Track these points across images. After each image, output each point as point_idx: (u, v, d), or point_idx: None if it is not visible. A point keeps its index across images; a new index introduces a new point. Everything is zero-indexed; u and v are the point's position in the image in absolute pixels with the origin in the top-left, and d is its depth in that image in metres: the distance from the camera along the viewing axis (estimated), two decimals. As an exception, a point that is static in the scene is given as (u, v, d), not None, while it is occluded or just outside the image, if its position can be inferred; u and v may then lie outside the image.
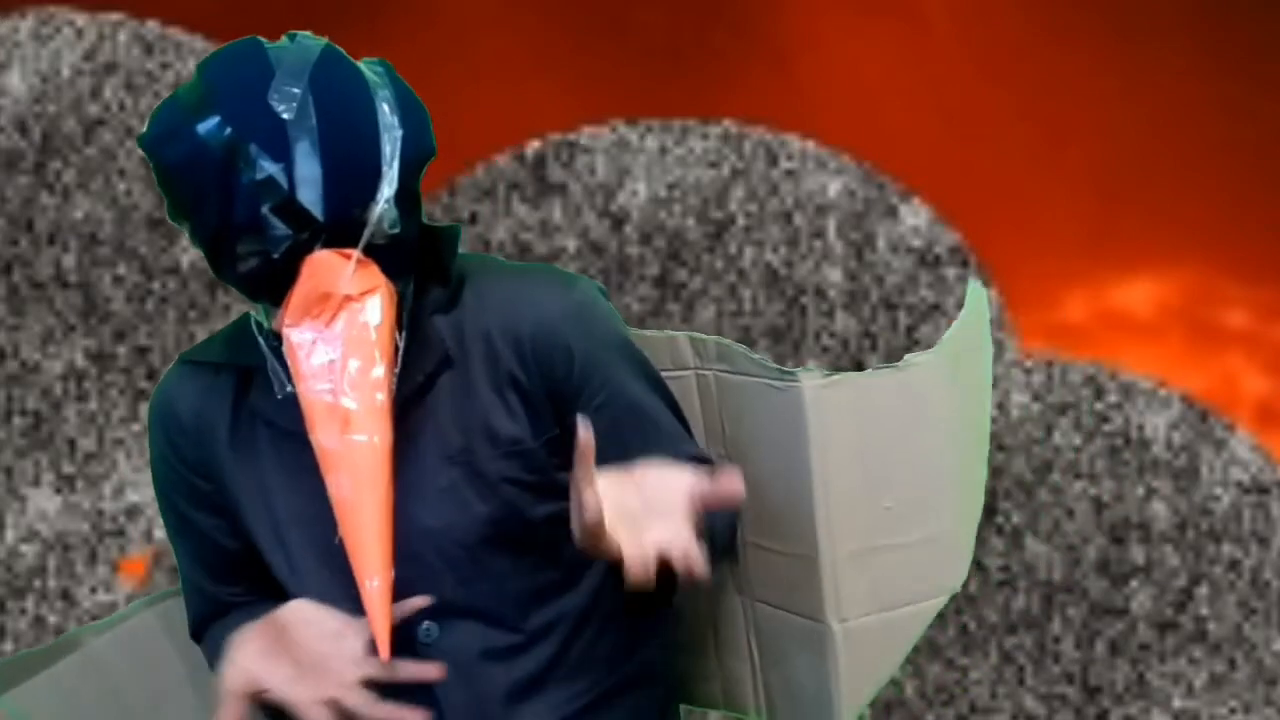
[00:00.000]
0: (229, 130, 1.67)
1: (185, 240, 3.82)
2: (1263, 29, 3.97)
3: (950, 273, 3.89)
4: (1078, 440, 3.89)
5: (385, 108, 1.73)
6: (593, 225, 3.89)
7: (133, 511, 3.79)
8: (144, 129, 1.75)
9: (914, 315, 3.88)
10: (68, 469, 3.78)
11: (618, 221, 3.88)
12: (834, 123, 3.89)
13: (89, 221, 3.78)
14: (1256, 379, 4.07)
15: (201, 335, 3.80)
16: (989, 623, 3.86)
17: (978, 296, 1.97)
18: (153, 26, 3.83)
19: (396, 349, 1.72)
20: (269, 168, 1.66)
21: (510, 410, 1.77)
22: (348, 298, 1.69)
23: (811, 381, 1.76)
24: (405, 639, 1.75)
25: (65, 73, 3.79)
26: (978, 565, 3.86)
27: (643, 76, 3.95)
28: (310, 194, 1.67)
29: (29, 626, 3.76)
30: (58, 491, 3.78)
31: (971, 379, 1.86)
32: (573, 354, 1.77)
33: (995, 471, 3.88)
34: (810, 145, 3.88)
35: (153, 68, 3.82)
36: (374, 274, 1.70)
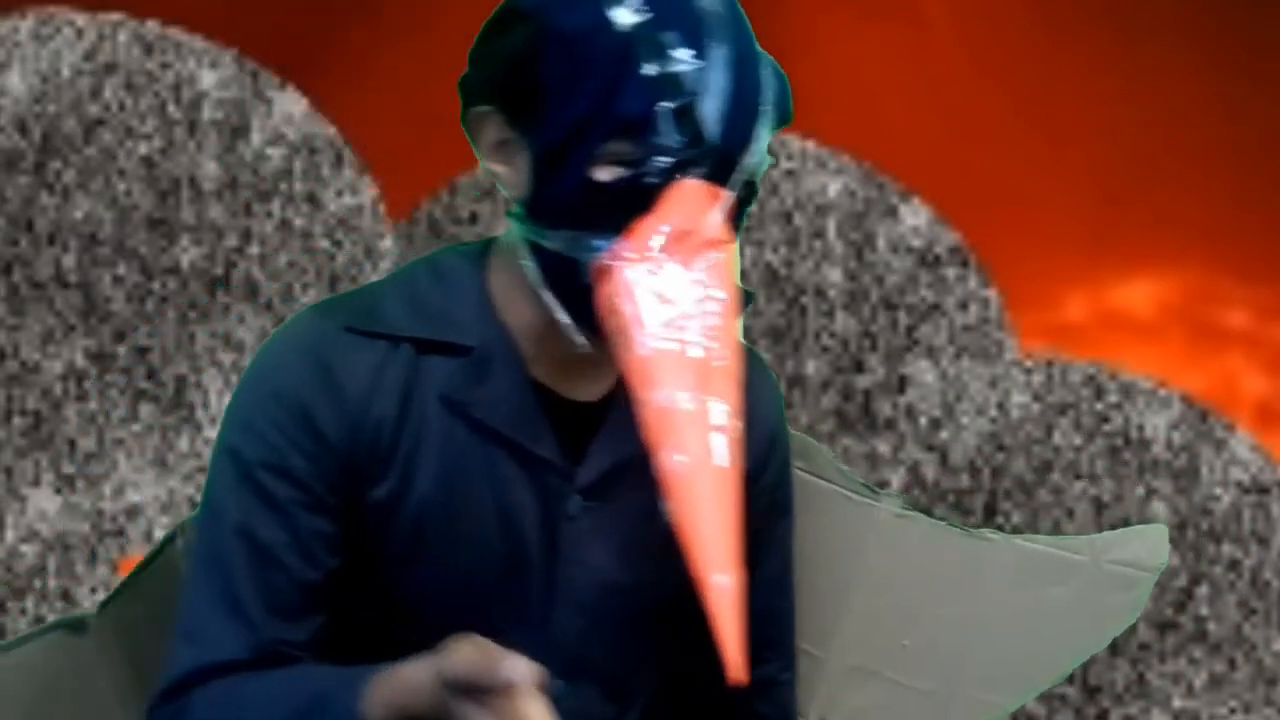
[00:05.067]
0: (644, 8, 1.41)
1: (185, 240, 3.83)
2: (1263, 29, 3.97)
3: (950, 273, 3.89)
4: (1078, 440, 3.89)
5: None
6: (593, 225, 3.89)
7: (133, 511, 3.80)
8: None
9: (914, 315, 3.88)
10: (68, 469, 3.78)
11: (618, 221, 3.88)
12: (834, 123, 3.89)
13: (89, 221, 3.78)
14: (1256, 379, 4.07)
15: (202, 335, 3.80)
16: (989, 623, 3.85)
17: (1158, 537, 1.71)
18: (153, 26, 3.83)
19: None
20: (681, 61, 1.40)
21: None
22: (710, 241, 1.43)
23: (889, 508, 1.74)
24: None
25: (65, 73, 3.79)
26: (978, 565, 3.86)
27: (643, 76, 3.94)
28: (714, 106, 1.41)
29: (29, 626, 3.76)
30: (58, 491, 3.78)
31: (1086, 599, 1.72)
32: (785, 465, 1.64)
33: (995, 471, 3.88)
34: (810, 145, 3.88)
35: (153, 68, 3.82)
36: (728, 227, 1.45)
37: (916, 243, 3.90)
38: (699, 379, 1.39)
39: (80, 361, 3.79)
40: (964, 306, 3.87)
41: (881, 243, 3.89)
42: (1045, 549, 1.72)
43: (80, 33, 3.81)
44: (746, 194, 1.46)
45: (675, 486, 1.38)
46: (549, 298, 1.47)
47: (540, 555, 1.51)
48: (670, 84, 1.40)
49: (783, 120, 1.48)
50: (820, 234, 3.89)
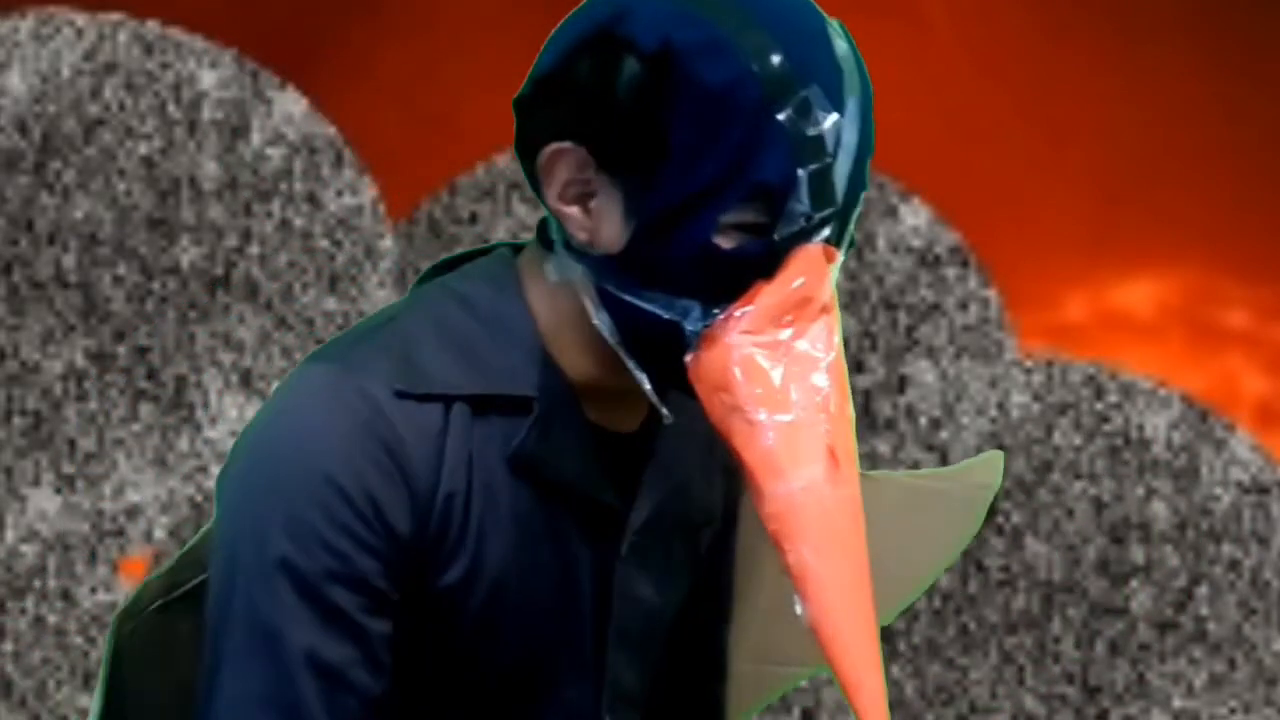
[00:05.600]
0: (786, 62, 1.27)
1: (185, 240, 3.83)
2: (1263, 29, 3.97)
3: (950, 273, 3.89)
4: (1078, 440, 3.89)
5: None
6: (593, 225, 3.89)
7: (133, 511, 3.79)
8: (640, 27, 1.28)
9: (914, 315, 3.88)
10: (68, 469, 3.78)
11: (618, 221, 3.88)
12: (834, 123, 3.89)
13: (89, 221, 3.78)
14: (1256, 379, 4.07)
15: (202, 335, 3.80)
16: (989, 623, 3.86)
17: (996, 461, 1.72)
18: (153, 26, 3.83)
19: None
20: (824, 122, 1.28)
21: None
22: (825, 306, 1.30)
23: None
24: None
25: (65, 73, 3.79)
26: (977, 565, 3.86)
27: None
28: (843, 166, 1.29)
29: (29, 626, 3.76)
30: (58, 491, 3.78)
31: (942, 520, 1.76)
32: None
33: (995, 471, 3.88)
34: (810, 145, 3.88)
35: (153, 68, 3.82)
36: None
37: (916, 243, 3.90)
38: (826, 466, 1.28)
39: (80, 361, 3.79)
40: (964, 306, 3.87)
41: (881, 243, 3.89)
42: (921, 481, 1.74)
43: (80, 33, 3.81)
44: (850, 247, 1.35)
45: (810, 587, 1.27)
46: (630, 360, 1.32)
47: (592, 599, 1.40)
48: (812, 147, 1.27)
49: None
50: (820, 234, 3.89)
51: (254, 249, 3.82)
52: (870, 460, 3.83)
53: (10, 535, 3.77)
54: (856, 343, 3.87)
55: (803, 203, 1.27)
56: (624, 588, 1.40)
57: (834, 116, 1.28)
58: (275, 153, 3.80)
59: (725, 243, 1.28)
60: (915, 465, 3.86)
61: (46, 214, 3.78)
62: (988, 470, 1.69)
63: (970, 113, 3.99)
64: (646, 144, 1.28)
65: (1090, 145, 4.01)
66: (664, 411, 1.33)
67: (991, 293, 3.89)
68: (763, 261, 1.28)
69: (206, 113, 3.81)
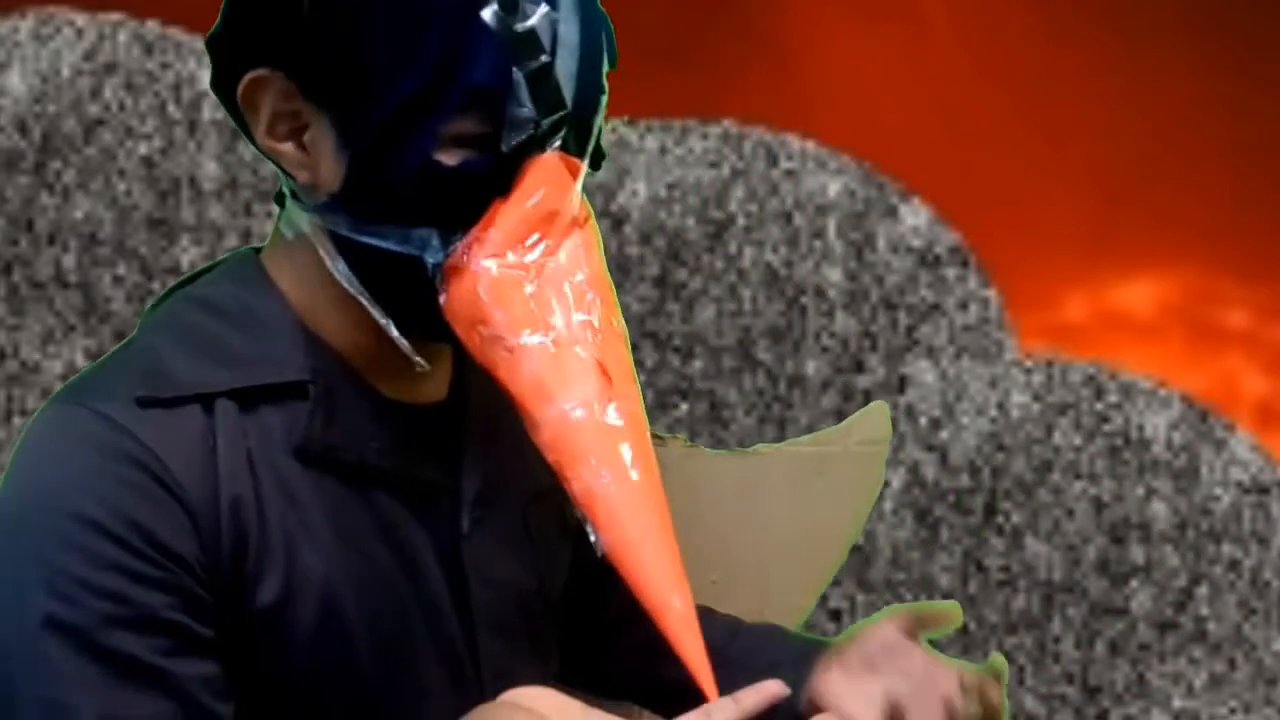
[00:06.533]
0: None
1: (185, 240, 3.83)
2: (1263, 29, 3.97)
3: (950, 273, 3.89)
4: (1078, 440, 3.89)
5: None
6: (593, 225, 3.89)
7: (133, 511, 3.79)
8: None
9: (914, 315, 3.88)
10: (68, 469, 3.78)
11: (617, 221, 3.88)
12: (834, 123, 3.89)
13: (89, 221, 3.78)
14: (1256, 379, 4.07)
15: (201, 335, 3.80)
16: (989, 623, 3.86)
17: (881, 413, 1.72)
18: (153, 26, 3.83)
19: None
20: (535, 15, 1.17)
21: None
22: (574, 220, 1.21)
23: (677, 444, 1.73)
24: None
25: (65, 73, 3.79)
26: (977, 565, 3.86)
27: (643, 76, 3.96)
28: (567, 65, 1.18)
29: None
30: (58, 491, 3.77)
31: (843, 482, 1.77)
32: None
33: (995, 471, 3.88)
34: (810, 145, 3.88)
35: (153, 68, 3.82)
36: (585, 200, 1.23)
37: (916, 243, 3.90)
38: (597, 383, 1.18)
39: (80, 361, 3.79)
40: (964, 306, 3.87)
41: (881, 243, 3.89)
42: (806, 448, 1.72)
43: (80, 33, 3.81)
44: (596, 159, 1.24)
45: (599, 511, 1.18)
46: (374, 308, 1.22)
47: (447, 588, 1.27)
48: (525, 43, 1.16)
49: (611, 65, 1.25)
50: (820, 234, 3.89)
51: (254, 249, 3.82)
52: (870, 460, 3.83)
53: (10, 535, 3.77)
54: (856, 342, 3.87)
55: (525, 106, 1.17)
56: (478, 568, 1.29)
57: (543, 9, 1.17)
58: (275, 153, 3.81)
59: (448, 159, 1.17)
60: (915, 465, 3.86)
61: (46, 214, 3.78)
62: (875, 425, 1.68)
63: (970, 113, 3.99)
64: (343, 61, 1.17)
65: (1090, 145, 4.01)
66: (417, 360, 1.22)
67: (991, 293, 3.89)
68: (494, 176, 1.18)
69: (206, 113, 3.81)
